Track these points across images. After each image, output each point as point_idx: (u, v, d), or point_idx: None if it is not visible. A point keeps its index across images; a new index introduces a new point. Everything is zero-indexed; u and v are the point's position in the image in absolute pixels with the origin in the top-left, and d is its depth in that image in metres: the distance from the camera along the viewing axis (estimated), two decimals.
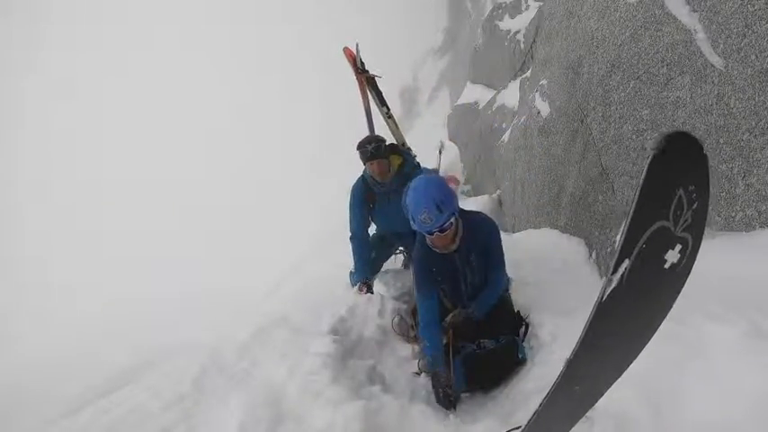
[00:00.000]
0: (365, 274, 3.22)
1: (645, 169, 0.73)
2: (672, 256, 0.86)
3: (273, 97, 23.01)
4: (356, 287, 3.16)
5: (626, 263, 0.81)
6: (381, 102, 3.90)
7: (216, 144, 22.41)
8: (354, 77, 3.81)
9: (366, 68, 3.76)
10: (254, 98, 23.48)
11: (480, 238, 2.50)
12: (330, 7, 23.76)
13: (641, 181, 0.74)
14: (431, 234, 2.29)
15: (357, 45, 3.75)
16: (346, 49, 3.80)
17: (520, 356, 2.26)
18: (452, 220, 2.28)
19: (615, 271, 0.81)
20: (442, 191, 2.26)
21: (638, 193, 0.75)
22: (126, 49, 26.52)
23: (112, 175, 22.52)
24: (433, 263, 2.49)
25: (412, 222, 2.28)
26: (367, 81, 3.79)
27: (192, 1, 26.96)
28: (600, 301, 0.84)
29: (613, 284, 0.83)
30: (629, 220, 0.77)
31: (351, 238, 3.27)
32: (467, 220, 2.47)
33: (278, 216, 15.07)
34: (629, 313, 0.92)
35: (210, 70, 25.33)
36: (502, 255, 2.57)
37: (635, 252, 0.80)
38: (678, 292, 0.97)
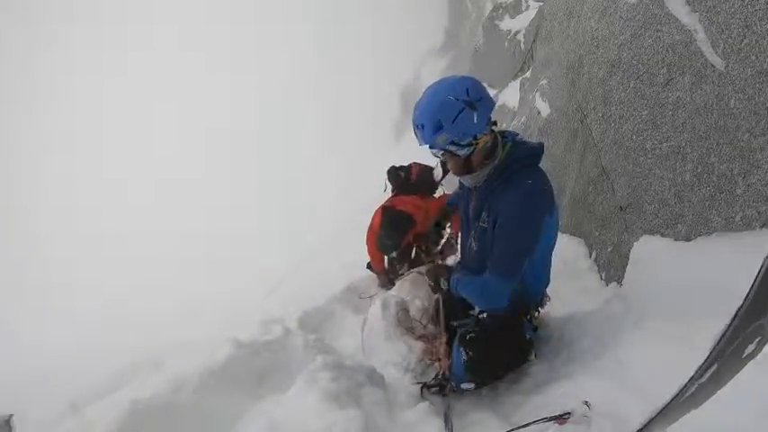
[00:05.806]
0: None
1: (763, 270, 0.61)
2: (750, 348, 0.78)
3: (274, 97, 22.98)
4: None
5: (713, 367, 0.73)
6: None
7: (216, 144, 22.39)
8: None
9: None
10: (254, 98, 23.46)
11: (500, 201, 1.80)
12: (331, 7, 23.73)
13: (757, 282, 0.63)
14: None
15: None
16: None
17: (528, 337, 2.04)
18: (449, 149, 1.75)
19: (701, 377, 0.73)
20: (447, 109, 1.67)
21: (751, 296, 0.64)
22: (125, 49, 26.50)
23: (111, 175, 22.51)
24: (461, 184, 2.07)
25: None
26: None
27: (193, 1, 26.94)
28: (677, 402, 0.79)
29: (692, 390, 0.76)
30: (735, 322, 0.68)
31: None
32: (508, 167, 1.81)
33: (278, 216, 15.07)
34: (694, 396, 0.85)
35: (211, 69, 25.31)
36: (509, 253, 1.81)
37: (726, 354, 0.72)
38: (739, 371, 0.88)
